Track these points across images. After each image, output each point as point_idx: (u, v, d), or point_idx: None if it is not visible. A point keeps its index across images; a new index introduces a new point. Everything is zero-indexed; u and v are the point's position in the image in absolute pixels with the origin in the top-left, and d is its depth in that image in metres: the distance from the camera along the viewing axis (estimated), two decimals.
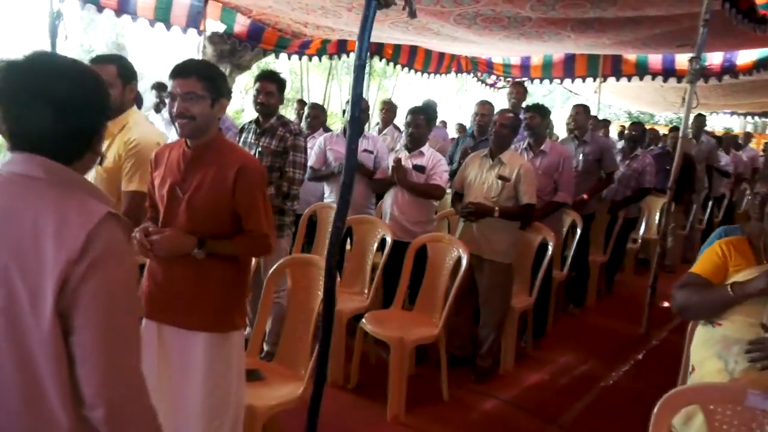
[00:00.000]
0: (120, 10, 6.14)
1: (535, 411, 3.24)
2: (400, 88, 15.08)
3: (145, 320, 2.02)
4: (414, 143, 3.73)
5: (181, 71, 1.89)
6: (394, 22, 4.88)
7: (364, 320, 3.18)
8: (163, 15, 6.47)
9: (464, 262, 3.15)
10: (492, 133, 3.48)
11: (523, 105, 4.99)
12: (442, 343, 3.19)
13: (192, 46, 7.64)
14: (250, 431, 2.18)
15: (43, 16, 3.75)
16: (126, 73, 2.33)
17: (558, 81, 8.74)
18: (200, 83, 1.87)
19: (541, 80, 8.51)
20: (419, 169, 3.67)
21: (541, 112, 3.96)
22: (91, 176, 2.34)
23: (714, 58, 6.63)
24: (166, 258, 1.95)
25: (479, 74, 9.09)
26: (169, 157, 2.02)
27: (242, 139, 3.44)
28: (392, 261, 3.44)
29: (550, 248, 3.65)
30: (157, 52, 9.26)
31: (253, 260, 2.87)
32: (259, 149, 3.29)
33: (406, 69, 8.24)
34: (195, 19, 6.59)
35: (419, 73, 8.32)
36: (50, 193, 1.03)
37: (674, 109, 11.20)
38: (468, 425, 3.06)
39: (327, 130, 4.85)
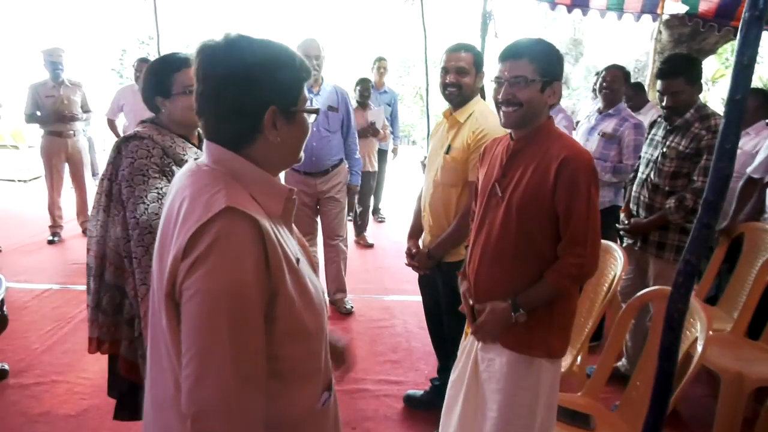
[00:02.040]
0: (572, 5, 6.17)
1: None
2: None
3: None
4: None
5: (512, 53, 1.66)
6: None
7: None
8: (617, 3, 6.17)
9: None
10: None
11: None
12: None
13: (644, 34, 7.01)
14: None
15: (476, 16, 4.04)
16: (480, 62, 2.29)
17: None
18: (532, 65, 1.62)
19: None
20: None
21: None
22: (437, 165, 2.39)
23: None
24: (479, 256, 1.80)
25: None
26: (495, 151, 1.84)
27: (650, 135, 2.90)
28: None
29: None
30: (609, 44, 8.87)
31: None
32: (664, 150, 2.70)
33: None
34: (653, 3, 6.04)
35: None
36: (202, 181, 0.99)
37: None
38: None
39: None
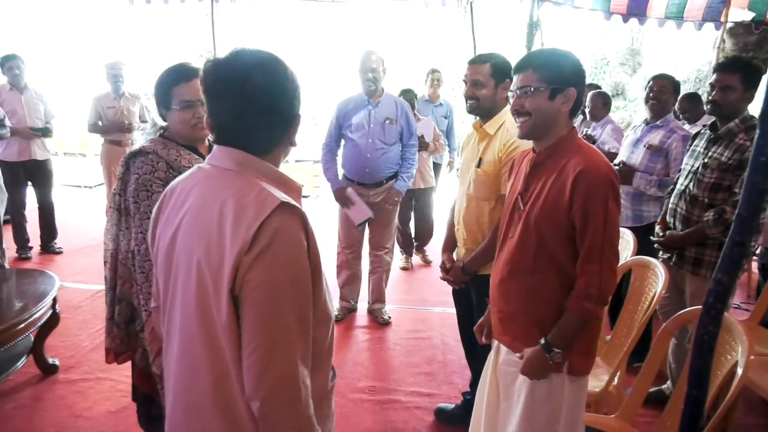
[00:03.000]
0: (628, 14, 5.99)
1: None
2: None
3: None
4: None
5: (518, 65, 1.68)
6: None
7: None
8: (677, 11, 5.94)
9: None
10: None
11: None
12: None
13: (707, 42, 6.70)
14: None
15: (523, 25, 4.00)
16: (500, 71, 2.22)
17: None
18: (536, 74, 1.61)
19: None
20: None
21: None
22: (469, 178, 2.35)
23: None
24: (501, 268, 1.77)
25: None
26: (521, 164, 1.81)
27: (692, 145, 2.76)
28: None
29: None
30: (668, 54, 8.54)
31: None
32: (705, 160, 2.57)
33: None
34: (715, 11, 5.78)
35: None
36: (237, 183, 1.06)
37: None
38: None
39: None
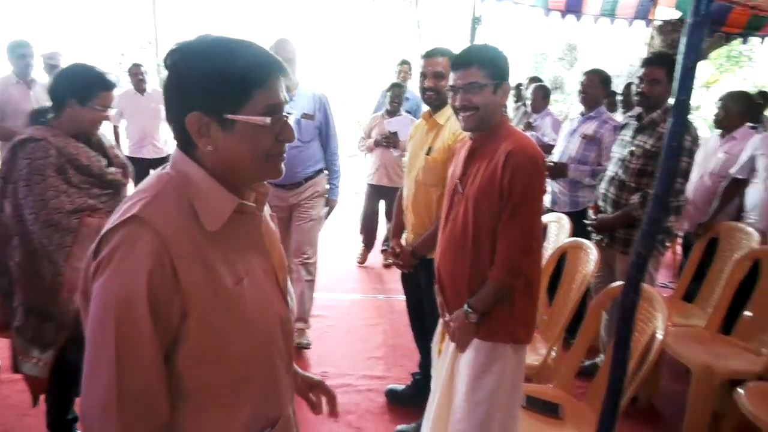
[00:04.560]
0: (566, 11, 6.23)
1: None
2: None
3: None
4: None
5: (462, 62, 1.78)
6: None
7: (741, 390, 2.30)
8: (610, 8, 6.23)
9: None
10: None
11: None
12: None
13: (638, 39, 7.08)
14: None
15: (465, 20, 4.14)
16: None
17: None
18: (482, 71, 1.73)
19: None
20: None
21: None
22: (418, 166, 2.46)
23: None
24: (445, 250, 1.88)
25: None
26: (460, 152, 1.93)
27: (620, 135, 2.96)
28: None
29: None
30: (604, 50, 8.96)
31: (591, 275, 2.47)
32: (632, 148, 2.77)
33: None
34: (644, 9, 6.11)
35: None
36: (145, 185, 0.97)
37: None
38: None
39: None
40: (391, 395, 2.92)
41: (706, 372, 2.47)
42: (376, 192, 4.90)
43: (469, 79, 1.73)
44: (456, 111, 1.80)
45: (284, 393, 1.11)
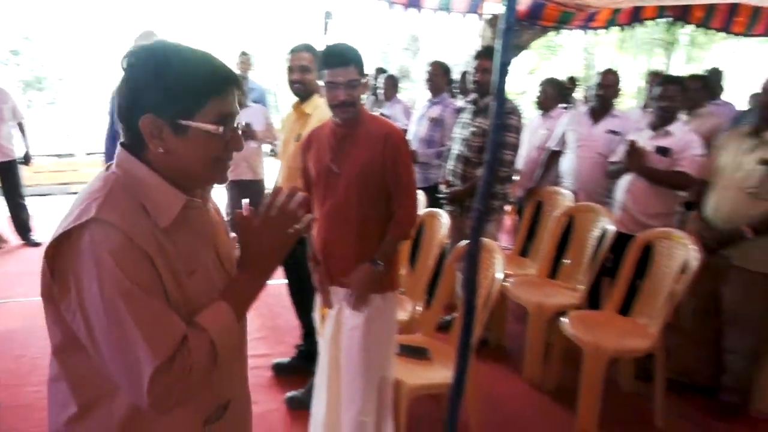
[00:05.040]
0: (408, 4, 6.69)
1: None
2: (717, 59, 12.51)
3: None
4: (661, 120, 3.14)
5: (340, 61, 1.99)
6: None
7: (564, 318, 2.86)
8: (446, 3, 6.81)
9: (693, 263, 2.55)
10: (757, 102, 2.69)
11: None
12: (660, 359, 2.67)
13: (472, 31, 7.86)
14: (396, 406, 2.23)
15: (316, 15, 4.38)
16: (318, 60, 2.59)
17: None
18: (356, 69, 2.00)
19: None
20: (663, 152, 3.07)
21: None
22: (288, 151, 2.69)
23: None
24: (327, 225, 2.13)
25: None
26: (321, 137, 2.18)
27: (459, 118, 3.43)
28: (617, 257, 3.03)
29: None
30: (445, 41, 9.79)
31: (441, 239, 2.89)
32: (473, 129, 3.24)
33: (722, 34, 6.79)
34: (476, 4, 6.77)
35: (740, 38, 6.75)
36: (95, 185, 0.99)
37: None
38: None
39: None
40: (278, 368, 3.13)
41: (538, 308, 3.03)
42: (238, 188, 4.81)
43: (349, 77, 1.97)
44: (335, 105, 2.03)
45: (234, 377, 1.17)
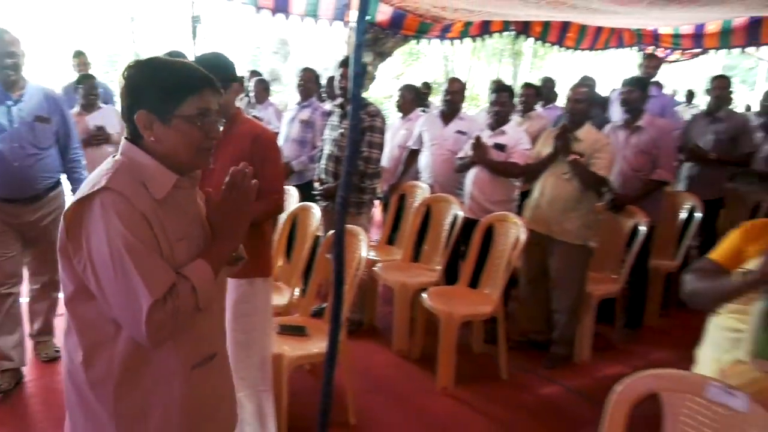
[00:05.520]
0: (276, 9, 6.87)
1: (600, 402, 3.05)
2: (556, 67, 14.25)
3: None
4: (497, 122, 3.70)
5: (208, 81, 2.15)
6: None
7: (424, 294, 3.29)
8: (312, 10, 7.09)
9: (522, 238, 3.10)
10: (567, 109, 3.32)
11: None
12: (501, 321, 3.18)
13: (339, 38, 8.25)
14: (277, 377, 2.48)
15: (185, 20, 4.45)
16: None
17: (740, 49, 7.59)
18: (217, 84, 2.19)
19: (717, 50, 7.46)
20: (500, 147, 3.63)
21: (639, 85, 3.62)
22: None
23: None
24: None
25: (645, 48, 8.25)
26: None
27: (329, 121, 3.74)
28: (467, 239, 3.53)
29: (641, 232, 3.37)
30: (315, 46, 10.10)
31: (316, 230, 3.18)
32: (341, 130, 3.56)
33: (557, 47, 7.81)
34: (341, 12, 7.11)
35: (572, 51, 7.81)
36: (104, 167, 1.24)
37: None
38: (516, 404, 3.03)
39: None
40: None
41: (402, 287, 3.44)
42: None
43: (218, 98, 2.18)
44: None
45: (217, 333, 1.43)
